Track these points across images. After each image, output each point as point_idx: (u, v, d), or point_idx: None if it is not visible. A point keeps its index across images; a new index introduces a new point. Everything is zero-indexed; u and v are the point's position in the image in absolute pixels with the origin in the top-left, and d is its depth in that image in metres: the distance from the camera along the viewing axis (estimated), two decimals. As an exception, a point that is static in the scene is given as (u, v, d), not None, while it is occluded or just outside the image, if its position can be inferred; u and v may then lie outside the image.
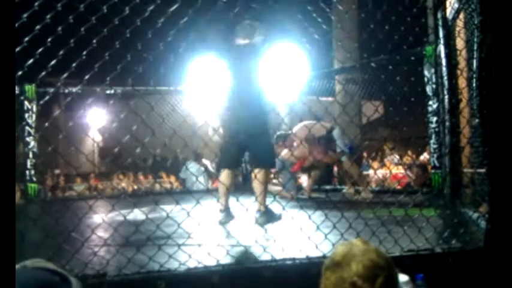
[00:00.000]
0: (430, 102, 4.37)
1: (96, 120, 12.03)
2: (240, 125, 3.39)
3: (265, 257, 2.28)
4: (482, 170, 2.81)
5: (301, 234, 2.57)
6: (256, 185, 3.39)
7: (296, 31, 3.26)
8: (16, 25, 2.04)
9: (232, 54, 3.53)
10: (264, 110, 3.48)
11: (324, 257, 2.06)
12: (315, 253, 2.27)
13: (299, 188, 5.88)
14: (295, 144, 5.20)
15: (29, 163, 5.95)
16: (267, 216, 3.38)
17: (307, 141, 5.05)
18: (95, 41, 2.34)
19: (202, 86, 4.18)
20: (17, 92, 5.85)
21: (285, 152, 5.25)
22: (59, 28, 2.20)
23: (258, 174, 3.42)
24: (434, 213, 3.07)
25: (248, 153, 3.55)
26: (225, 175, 3.52)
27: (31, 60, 2.18)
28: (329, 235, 2.44)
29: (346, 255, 1.32)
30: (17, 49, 2.05)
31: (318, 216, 2.79)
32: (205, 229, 3.16)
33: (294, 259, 2.23)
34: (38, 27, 2.19)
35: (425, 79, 4.42)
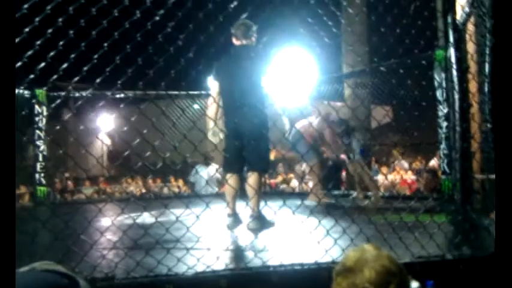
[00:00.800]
0: (441, 107, 4.33)
1: (106, 124, 12.12)
2: (239, 128, 3.38)
3: (273, 261, 2.27)
4: (493, 176, 2.77)
5: (311, 239, 2.55)
6: (249, 189, 3.38)
7: (305, 35, 3.25)
8: (28, 29, 2.06)
9: (231, 56, 3.51)
10: (263, 114, 3.44)
11: (334, 262, 2.05)
12: (324, 258, 2.26)
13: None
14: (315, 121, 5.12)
15: (38, 166, 6.00)
16: (260, 221, 3.36)
17: (326, 120, 5.02)
18: (105, 44, 2.35)
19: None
20: (28, 95, 5.91)
21: (301, 125, 5.14)
22: (71, 32, 2.22)
23: (251, 177, 3.41)
24: (445, 219, 3.04)
25: (245, 156, 3.52)
26: (230, 180, 3.51)
27: (42, 64, 2.19)
28: (339, 240, 2.42)
29: (358, 261, 1.30)
30: (29, 53, 2.07)
31: (327, 221, 2.77)
32: (214, 233, 3.16)
33: (302, 264, 2.21)
34: (49, 30, 2.21)
35: (436, 83, 4.38)
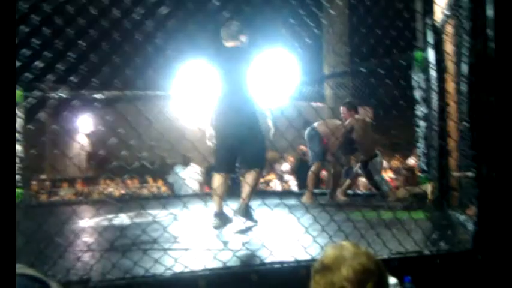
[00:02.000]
0: (419, 107, 4.39)
1: (83, 125, 11.91)
2: (232, 129, 3.35)
3: (253, 260, 2.26)
4: (470, 174, 2.81)
5: (290, 237, 2.55)
6: (246, 186, 3.37)
7: (287, 35, 3.25)
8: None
9: (222, 57, 3.50)
10: (256, 113, 3.44)
11: (313, 260, 2.04)
12: (303, 256, 2.25)
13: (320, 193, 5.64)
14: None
15: (16, 168, 5.85)
16: (245, 211, 3.36)
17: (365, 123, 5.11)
18: (83, 44, 2.31)
19: (192, 90, 4.13)
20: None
21: (319, 123, 5.16)
22: (47, 31, 2.17)
23: (249, 175, 3.38)
24: (422, 216, 3.07)
25: (240, 156, 3.48)
26: (217, 179, 3.46)
27: (18, 64, 2.14)
28: (318, 238, 2.42)
29: (336, 259, 1.29)
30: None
31: (306, 219, 2.77)
32: (192, 233, 3.12)
33: (282, 262, 2.20)
34: (26, 30, 2.16)
35: (414, 83, 4.44)
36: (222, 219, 3.39)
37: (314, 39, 3.29)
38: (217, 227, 3.36)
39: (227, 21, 3.43)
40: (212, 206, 3.39)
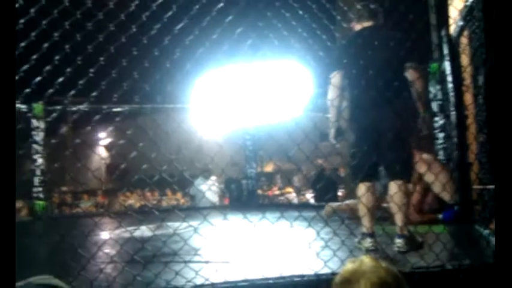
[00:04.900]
0: (436, 119, 4.36)
1: (103, 138, 12.13)
2: (376, 127, 2.80)
3: (273, 273, 2.25)
4: (491, 187, 2.77)
5: (310, 251, 2.54)
6: (395, 201, 2.73)
7: (300, 49, 3.22)
8: (24, 43, 2.08)
9: (356, 43, 2.93)
10: (406, 109, 2.85)
11: (333, 274, 2.04)
12: (323, 270, 2.24)
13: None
14: None
15: (36, 180, 5.98)
16: (410, 242, 2.74)
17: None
18: (102, 58, 2.37)
19: (210, 102, 4.17)
20: (24, 109, 5.92)
21: None
22: (67, 46, 2.24)
23: (394, 187, 2.76)
24: (444, 230, 3.03)
25: (381, 161, 2.88)
26: (364, 189, 2.84)
27: (39, 78, 2.21)
28: (338, 252, 2.41)
29: (355, 273, 1.30)
30: (25, 67, 2.09)
31: (326, 232, 2.77)
32: (212, 246, 3.14)
33: (302, 276, 2.20)
34: (45, 45, 2.23)
35: (431, 95, 4.42)
36: (374, 240, 2.83)
37: (327, 52, 3.27)
38: (370, 249, 2.77)
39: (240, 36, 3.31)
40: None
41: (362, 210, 2.87)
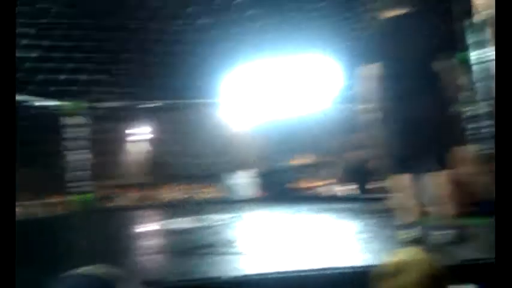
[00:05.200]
0: (466, 109, 4.24)
1: (144, 133, 12.43)
2: (411, 118, 2.70)
3: (312, 265, 2.24)
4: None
5: (352, 243, 2.54)
6: (436, 193, 2.69)
7: (328, 39, 3.14)
8: (72, 44, 2.21)
9: (385, 32, 2.84)
10: (440, 98, 2.73)
11: (374, 265, 2.03)
12: (364, 262, 2.21)
13: None
14: None
15: (83, 174, 6.26)
16: (453, 235, 2.64)
17: None
18: (144, 58, 2.46)
19: (241, 96, 4.17)
20: (70, 107, 6.18)
21: None
22: (110, 47, 2.34)
23: (433, 178, 2.69)
24: (483, 222, 2.95)
25: (419, 153, 2.78)
26: (400, 181, 2.78)
27: (84, 78, 2.33)
28: (380, 243, 2.40)
29: (399, 265, 1.29)
30: (71, 66, 2.22)
31: (366, 224, 2.73)
32: (248, 238, 3.20)
33: (340, 268, 2.17)
34: (89, 44, 2.35)
35: (461, 86, 4.32)
36: (416, 231, 2.73)
37: (355, 42, 3.18)
38: (410, 241, 2.68)
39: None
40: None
41: (398, 202, 2.83)
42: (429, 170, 2.75)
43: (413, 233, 2.76)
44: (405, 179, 2.79)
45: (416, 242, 2.73)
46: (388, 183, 2.93)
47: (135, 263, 2.39)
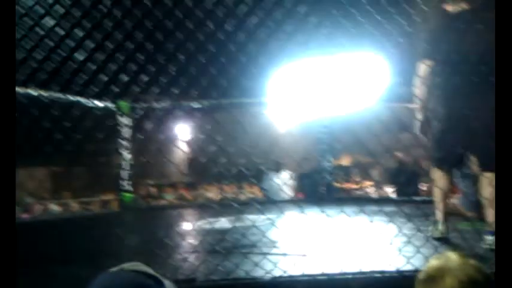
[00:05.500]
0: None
1: (184, 133, 12.67)
2: (471, 117, 2.59)
3: (352, 268, 2.21)
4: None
5: (391, 247, 2.46)
6: (487, 196, 2.57)
7: (378, 34, 3.03)
8: (113, 46, 2.24)
9: (447, 27, 2.74)
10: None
11: (416, 271, 1.95)
12: (406, 267, 2.16)
13: None
14: None
15: (124, 174, 6.42)
16: None
17: None
18: (182, 57, 2.46)
19: (285, 96, 4.16)
20: (113, 108, 6.37)
21: None
22: (151, 47, 2.36)
23: (487, 181, 2.57)
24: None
25: (472, 150, 2.70)
26: (440, 178, 2.78)
27: (125, 78, 2.36)
28: (421, 248, 2.31)
29: (440, 270, 1.24)
30: (114, 68, 2.24)
31: (408, 228, 2.66)
32: (290, 238, 3.16)
33: (383, 272, 2.14)
34: (132, 46, 2.37)
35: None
36: (445, 228, 2.75)
37: (409, 38, 3.07)
38: (440, 236, 2.73)
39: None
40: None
41: (437, 196, 2.82)
42: (485, 171, 2.63)
43: (445, 229, 2.74)
44: (445, 173, 2.78)
45: (441, 239, 2.72)
46: (433, 182, 2.87)
47: (178, 261, 2.40)
